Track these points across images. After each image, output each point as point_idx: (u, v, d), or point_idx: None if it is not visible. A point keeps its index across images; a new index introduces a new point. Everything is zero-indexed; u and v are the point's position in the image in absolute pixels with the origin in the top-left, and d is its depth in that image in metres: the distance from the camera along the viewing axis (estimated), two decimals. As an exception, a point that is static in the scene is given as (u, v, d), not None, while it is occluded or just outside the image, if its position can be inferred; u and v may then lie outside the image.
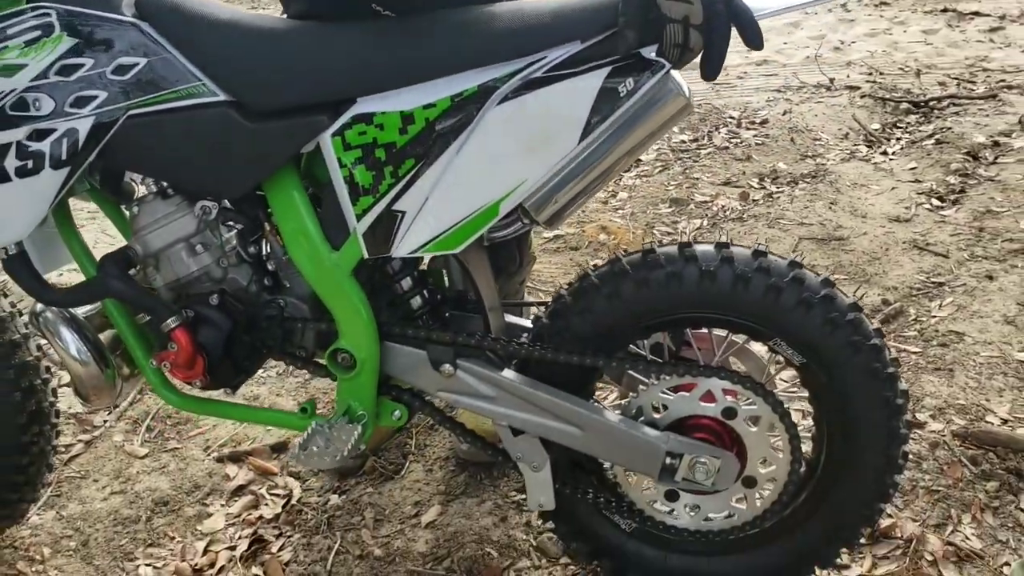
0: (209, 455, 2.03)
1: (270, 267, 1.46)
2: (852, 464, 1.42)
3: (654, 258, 1.37)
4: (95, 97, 1.28)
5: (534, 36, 1.25)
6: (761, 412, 1.39)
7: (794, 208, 3.13)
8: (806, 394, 1.45)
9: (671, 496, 1.47)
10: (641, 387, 1.43)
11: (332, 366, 1.42)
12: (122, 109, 1.28)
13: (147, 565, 1.73)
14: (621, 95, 1.21)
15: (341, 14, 1.36)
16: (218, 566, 1.72)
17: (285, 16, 1.46)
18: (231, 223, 1.44)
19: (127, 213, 1.47)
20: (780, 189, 3.39)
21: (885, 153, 3.81)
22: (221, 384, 1.47)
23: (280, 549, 1.75)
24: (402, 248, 1.33)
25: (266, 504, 1.88)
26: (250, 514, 1.85)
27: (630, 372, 1.47)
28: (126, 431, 2.12)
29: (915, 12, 6.37)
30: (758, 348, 1.46)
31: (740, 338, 1.47)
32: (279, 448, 2.04)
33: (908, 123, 4.16)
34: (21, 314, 1.62)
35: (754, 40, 1.19)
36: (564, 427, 1.41)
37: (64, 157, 1.29)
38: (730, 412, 1.40)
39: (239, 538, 1.78)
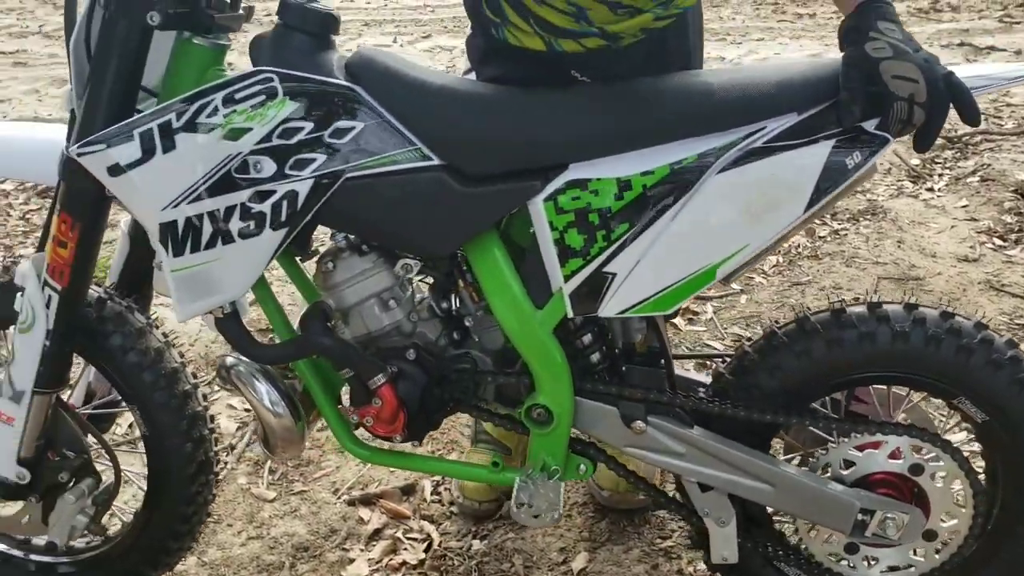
0: (339, 498, 2.04)
1: (464, 323, 1.48)
2: None
3: (846, 318, 1.41)
4: (314, 160, 1.31)
5: (754, 107, 1.29)
6: (947, 468, 1.43)
7: (867, 247, 3.19)
8: (978, 448, 1.49)
9: (851, 549, 1.50)
10: (831, 445, 1.47)
11: (528, 421, 1.44)
12: (340, 172, 1.31)
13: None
14: (849, 167, 1.25)
15: (537, 79, 1.40)
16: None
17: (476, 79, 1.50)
18: (425, 279, 1.47)
19: (306, 268, 1.49)
20: (843, 225, 3.45)
21: (931, 190, 3.88)
22: (413, 437, 1.49)
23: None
24: (609, 308, 1.36)
25: (406, 549, 1.90)
26: (391, 559, 1.87)
27: (813, 430, 1.50)
28: (248, 473, 2.12)
29: (932, 46, 6.50)
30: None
31: (903, 391, 1.51)
32: (408, 491, 2.06)
33: (946, 159, 4.24)
34: (186, 365, 1.63)
35: (972, 116, 1.24)
36: (756, 484, 1.44)
37: (284, 218, 1.32)
38: (917, 468, 1.43)
39: (387, 586, 1.79)
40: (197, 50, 1.35)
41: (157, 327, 1.61)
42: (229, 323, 1.40)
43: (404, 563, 1.85)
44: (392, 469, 2.11)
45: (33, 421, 1.51)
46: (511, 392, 1.49)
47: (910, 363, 1.41)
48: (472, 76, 1.58)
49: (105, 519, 1.68)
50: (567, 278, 1.36)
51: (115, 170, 1.27)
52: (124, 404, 1.61)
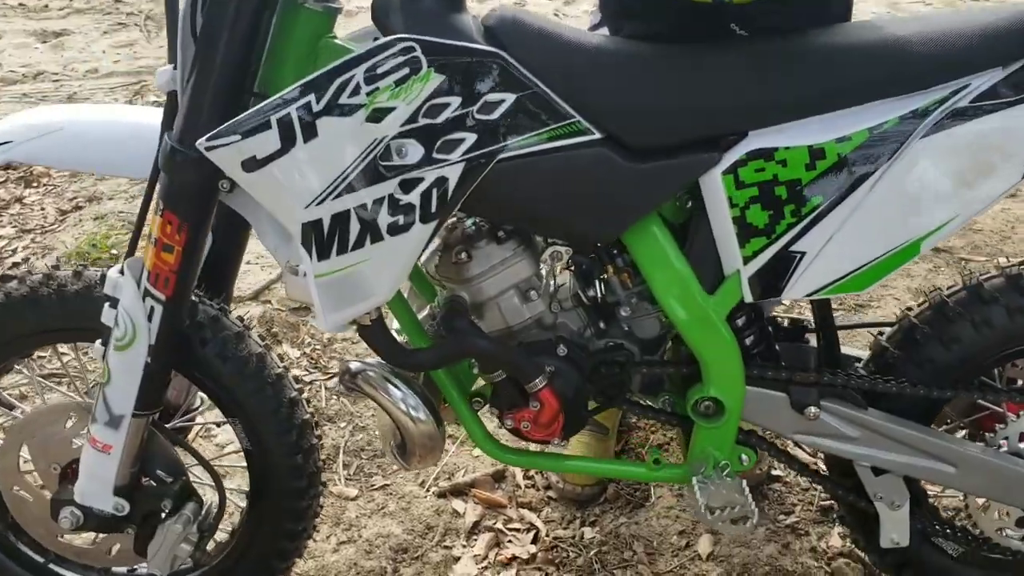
0: (427, 491, 1.90)
1: (612, 311, 1.34)
2: None
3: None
4: (463, 140, 1.14)
5: (955, 62, 1.16)
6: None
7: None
8: None
9: (1021, 522, 1.43)
10: (1010, 418, 1.38)
11: (694, 415, 1.32)
12: (493, 153, 1.14)
13: (415, 622, 1.62)
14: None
15: (691, 34, 1.24)
16: (494, 616, 1.62)
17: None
18: (572, 266, 1.33)
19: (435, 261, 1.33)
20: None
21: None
22: (565, 438, 1.35)
23: (556, 593, 1.66)
24: (796, 291, 1.24)
25: (511, 542, 1.78)
26: (498, 554, 1.75)
27: (986, 403, 1.40)
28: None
29: None
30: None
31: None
32: (499, 477, 1.93)
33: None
34: (289, 369, 1.47)
35: None
36: (937, 465, 1.35)
37: (434, 209, 1.15)
38: (1097, 435, 1.36)
39: (503, 584, 1.68)
40: (308, 16, 1.16)
41: (251, 328, 1.44)
42: (376, 330, 1.23)
43: (514, 557, 1.74)
44: (477, 454, 1.98)
45: (130, 446, 1.34)
46: (679, 387, 1.37)
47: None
48: (604, 31, 1.42)
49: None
50: (747, 260, 1.22)
51: (251, 164, 1.08)
52: (223, 417, 1.44)
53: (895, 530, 1.41)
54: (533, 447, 1.44)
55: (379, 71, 1.09)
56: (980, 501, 1.42)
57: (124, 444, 1.32)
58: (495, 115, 1.14)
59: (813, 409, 1.33)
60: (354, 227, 1.13)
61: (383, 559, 1.75)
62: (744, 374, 1.30)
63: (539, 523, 1.81)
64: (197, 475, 1.51)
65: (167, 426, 1.46)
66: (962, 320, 1.33)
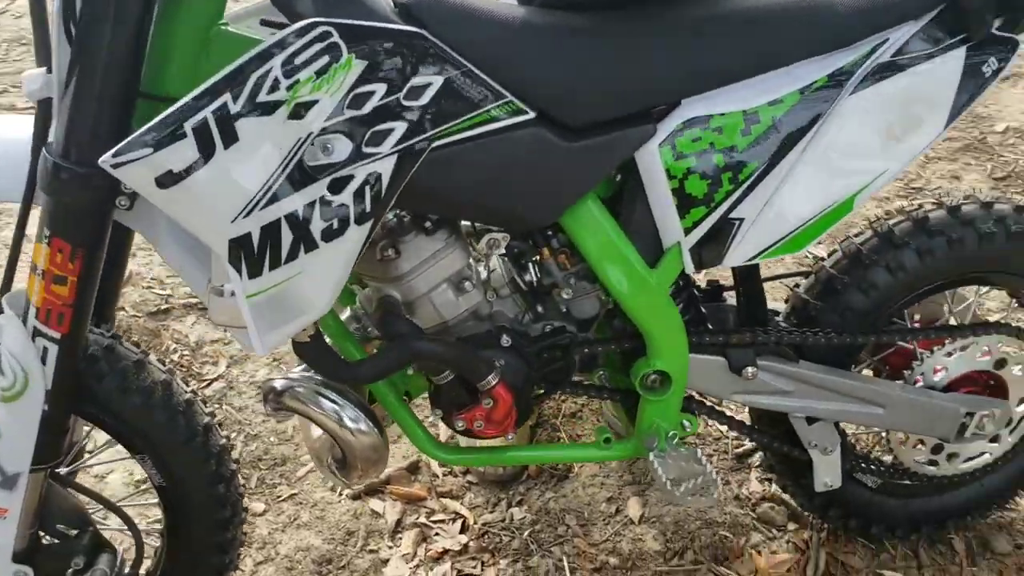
0: (339, 495, 1.80)
1: (549, 295, 1.29)
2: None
3: (931, 226, 1.37)
4: (392, 130, 1.04)
5: (874, 17, 1.17)
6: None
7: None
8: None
9: (936, 450, 1.52)
10: (924, 355, 1.44)
11: (642, 388, 1.30)
12: (424, 142, 1.06)
13: (356, 635, 1.53)
14: (987, 75, 1.18)
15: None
16: (437, 616, 1.56)
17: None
18: (505, 251, 1.26)
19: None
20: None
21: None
22: (516, 429, 1.30)
23: (496, 581, 1.62)
24: (735, 258, 1.23)
25: (438, 535, 1.72)
26: (428, 549, 1.69)
27: (908, 344, 1.47)
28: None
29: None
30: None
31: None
32: (413, 469, 1.86)
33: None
34: (197, 393, 1.33)
35: None
36: (866, 408, 1.41)
37: (368, 208, 1.05)
38: (1001, 363, 1.45)
39: (439, 579, 1.62)
40: (194, 1, 1.01)
41: (148, 353, 1.29)
42: (316, 346, 1.12)
43: (445, 551, 1.68)
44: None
45: (28, 505, 1.17)
46: (606, 361, 1.34)
47: (995, 263, 1.40)
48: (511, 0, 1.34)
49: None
50: (688, 231, 1.20)
51: (167, 179, 0.93)
52: (127, 454, 1.29)
53: (828, 474, 1.46)
54: (473, 443, 1.38)
55: (297, 62, 0.97)
56: (900, 436, 1.50)
57: (23, 505, 1.15)
58: (423, 100, 1.04)
59: (751, 369, 1.34)
60: (286, 237, 1.01)
61: (307, 574, 1.64)
62: (687, 345, 1.29)
63: (464, 511, 1.76)
64: (102, 520, 1.35)
65: (61, 473, 1.29)
66: (876, 266, 1.38)
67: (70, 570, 1.23)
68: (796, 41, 1.16)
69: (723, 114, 1.15)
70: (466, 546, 1.69)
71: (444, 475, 1.85)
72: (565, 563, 1.63)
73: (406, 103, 1.03)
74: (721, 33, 1.16)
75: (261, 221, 0.99)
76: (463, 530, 1.72)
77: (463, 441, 1.50)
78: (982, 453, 1.55)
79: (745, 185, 1.18)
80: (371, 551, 1.69)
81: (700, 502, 1.28)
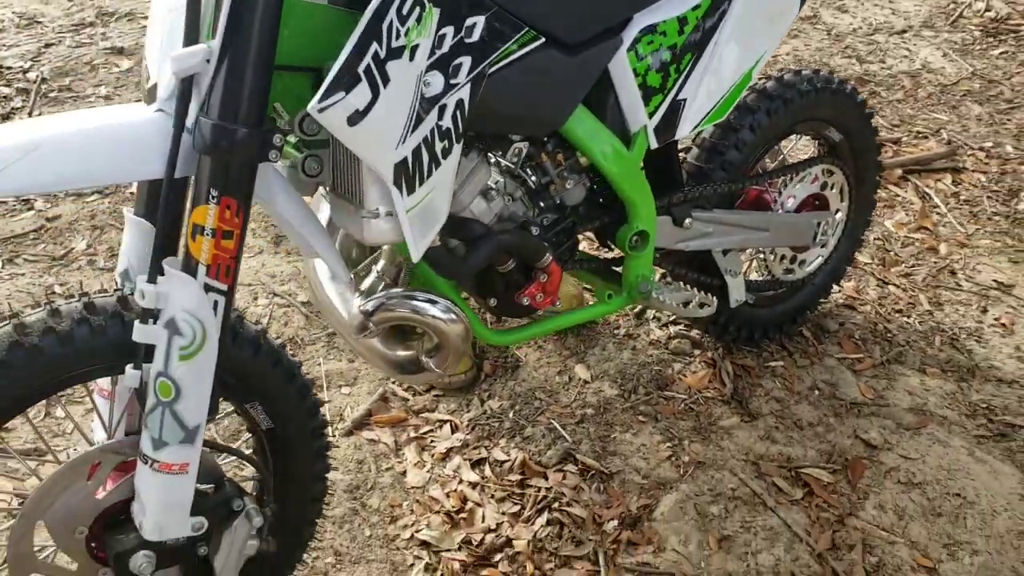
0: (336, 435, 1.96)
1: (548, 189, 1.60)
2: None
3: (768, 92, 1.87)
4: (463, 63, 1.31)
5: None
6: (837, 178, 2.04)
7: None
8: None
9: (792, 260, 2.05)
10: (782, 189, 1.96)
11: (628, 248, 1.66)
12: (484, 70, 1.33)
13: (415, 536, 1.75)
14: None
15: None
16: (471, 501, 1.82)
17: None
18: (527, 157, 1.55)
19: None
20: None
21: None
22: (556, 299, 1.60)
23: (507, 456, 1.90)
24: (683, 130, 1.64)
25: (433, 442, 1.96)
26: (433, 454, 1.92)
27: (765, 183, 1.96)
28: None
29: None
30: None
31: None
32: (384, 399, 2.06)
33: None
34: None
35: None
36: (757, 235, 1.89)
37: (460, 130, 1.31)
38: (823, 185, 2.02)
39: (458, 474, 1.87)
40: None
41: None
42: (439, 250, 1.34)
43: (449, 450, 1.93)
44: (349, 384, 2.08)
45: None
46: (609, 233, 1.69)
47: (808, 112, 1.94)
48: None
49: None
50: (651, 115, 1.58)
51: (355, 118, 1.12)
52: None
53: (736, 291, 1.94)
54: (515, 324, 1.66)
55: (403, 12, 1.20)
56: (771, 253, 2.01)
57: (199, 458, 1.25)
58: (476, 37, 1.31)
59: (688, 220, 1.76)
60: (424, 159, 1.24)
61: (344, 504, 1.81)
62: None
63: (447, 416, 2.01)
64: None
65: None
66: (743, 128, 1.85)
67: (230, 514, 1.34)
68: (699, -38, 1.58)
69: (664, 21, 1.54)
70: (465, 442, 1.95)
71: (413, 396, 2.08)
72: (556, 423, 1.96)
73: (467, 41, 1.30)
74: None
75: (410, 147, 1.21)
76: (454, 430, 1.98)
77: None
78: (817, 258, 2.12)
79: (685, 72, 1.59)
80: (386, 469, 1.89)
81: (707, 311, 1.69)
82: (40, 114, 3.26)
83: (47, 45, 3.86)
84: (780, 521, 1.76)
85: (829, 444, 1.94)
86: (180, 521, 1.27)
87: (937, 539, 1.73)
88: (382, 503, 1.82)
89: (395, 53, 1.17)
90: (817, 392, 2.08)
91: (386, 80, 1.16)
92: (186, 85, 1.14)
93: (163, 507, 1.25)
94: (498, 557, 1.70)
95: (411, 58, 1.19)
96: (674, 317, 2.24)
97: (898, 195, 2.85)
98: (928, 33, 3.98)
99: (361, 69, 1.13)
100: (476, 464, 1.90)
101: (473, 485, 1.85)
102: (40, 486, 1.25)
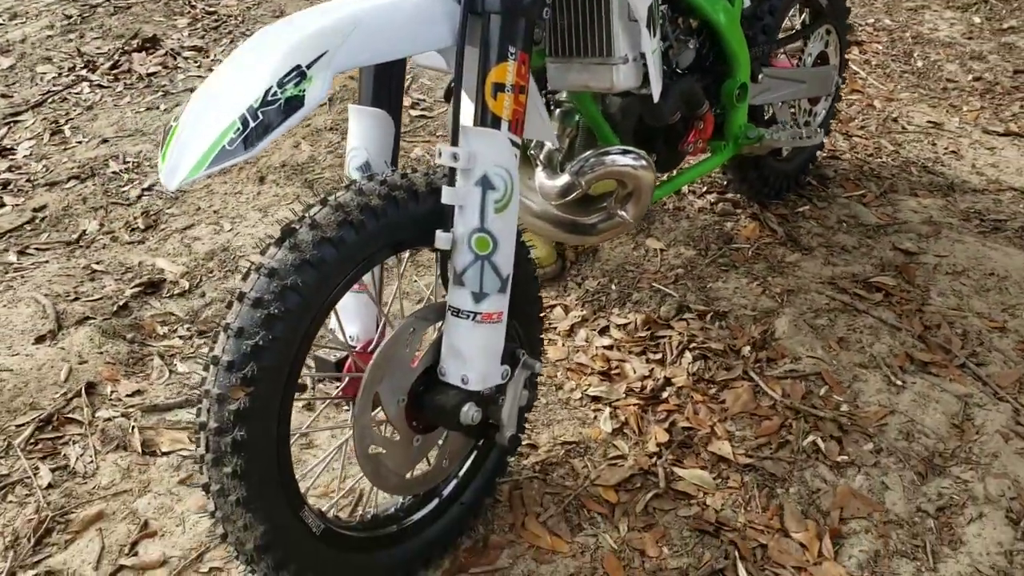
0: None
1: (671, 51, 1.78)
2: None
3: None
4: None
5: None
6: (835, 36, 2.36)
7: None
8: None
9: (809, 113, 2.35)
10: (807, 49, 2.24)
11: (732, 100, 1.88)
12: None
13: (585, 394, 1.89)
14: None
15: None
16: (615, 360, 1.98)
17: None
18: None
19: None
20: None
21: None
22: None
23: (628, 319, 2.07)
24: (761, -11, 1.87)
25: (554, 325, 2.10)
26: (556, 332, 2.06)
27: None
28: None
29: None
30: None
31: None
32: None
33: None
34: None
35: None
36: (799, 87, 2.17)
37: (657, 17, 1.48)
38: (826, 43, 2.33)
39: (590, 342, 2.03)
40: None
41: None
42: (637, 99, 1.50)
43: (572, 326, 2.08)
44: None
45: (499, 306, 1.36)
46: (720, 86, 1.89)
47: None
48: None
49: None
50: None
51: None
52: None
53: (784, 141, 2.21)
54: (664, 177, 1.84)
55: None
56: (789, 104, 2.30)
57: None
58: None
59: (760, 76, 2.01)
60: (654, 19, 1.39)
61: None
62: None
63: (553, 302, 2.15)
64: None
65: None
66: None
67: (519, 360, 1.43)
68: None
69: None
70: (583, 317, 2.11)
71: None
72: (658, 285, 2.16)
73: None
74: None
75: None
76: (567, 311, 2.13)
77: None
78: (823, 109, 2.44)
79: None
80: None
81: (818, 139, 1.94)
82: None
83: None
84: (875, 319, 2.06)
85: (877, 259, 2.27)
86: (496, 368, 1.36)
87: (995, 306, 2.10)
88: (541, 379, 1.94)
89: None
90: (845, 224, 2.40)
91: None
92: None
93: (486, 356, 1.34)
94: (665, 394, 1.88)
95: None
96: (706, 188, 2.49)
97: (818, 71, 3.25)
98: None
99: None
100: (603, 331, 2.06)
101: (609, 347, 2.01)
102: (375, 357, 1.31)
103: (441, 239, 1.28)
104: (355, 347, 1.42)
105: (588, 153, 1.58)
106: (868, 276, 2.20)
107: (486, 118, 1.26)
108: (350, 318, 1.45)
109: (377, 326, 1.44)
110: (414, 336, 1.35)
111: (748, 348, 1.98)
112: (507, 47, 1.25)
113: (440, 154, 1.26)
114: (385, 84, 1.40)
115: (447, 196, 1.26)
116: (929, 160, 2.69)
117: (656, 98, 1.44)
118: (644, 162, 1.61)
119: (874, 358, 1.95)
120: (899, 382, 1.88)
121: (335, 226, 1.22)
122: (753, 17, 2.09)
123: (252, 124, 1.08)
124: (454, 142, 1.25)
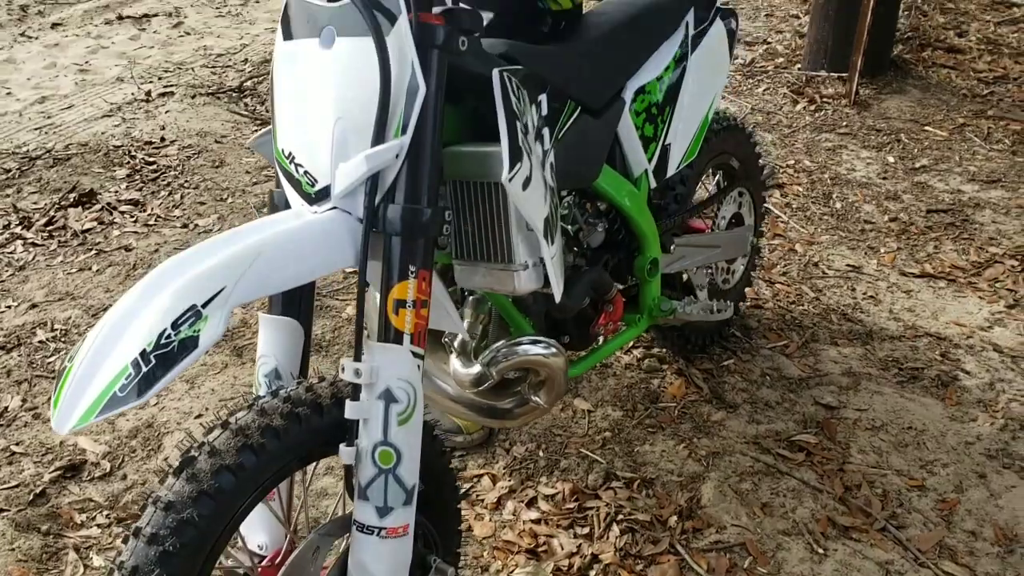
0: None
1: (580, 235, 1.84)
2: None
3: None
4: (545, 133, 1.55)
5: (677, 10, 1.99)
6: (748, 197, 2.45)
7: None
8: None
9: (727, 271, 2.43)
10: (720, 213, 2.33)
11: (644, 275, 1.94)
12: (555, 135, 1.59)
13: None
14: (734, 28, 2.08)
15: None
16: (543, 535, 1.97)
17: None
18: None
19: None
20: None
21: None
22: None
23: (556, 489, 2.07)
24: (670, 170, 1.96)
25: (481, 497, 2.09)
26: (484, 505, 2.05)
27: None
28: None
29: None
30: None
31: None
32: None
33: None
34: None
35: None
36: (715, 250, 2.24)
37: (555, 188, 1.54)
38: (739, 205, 2.42)
39: (518, 516, 2.02)
40: None
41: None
42: (541, 295, 1.54)
43: (499, 498, 2.07)
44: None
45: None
46: (629, 265, 1.95)
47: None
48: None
49: None
50: (649, 160, 1.89)
51: (526, 183, 1.31)
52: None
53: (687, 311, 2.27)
54: (578, 356, 1.87)
55: (517, 94, 1.43)
56: (717, 266, 2.37)
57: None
58: (545, 110, 1.55)
59: (672, 246, 2.07)
60: (555, 213, 1.45)
61: (432, 567, 1.89)
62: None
63: (481, 471, 2.15)
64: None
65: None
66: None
67: (425, 570, 1.42)
68: (660, 33, 1.92)
69: (647, 83, 1.86)
70: (510, 488, 2.10)
71: (440, 461, 2.18)
72: (585, 451, 2.17)
73: (543, 114, 1.54)
74: (625, 40, 1.85)
75: (549, 204, 1.42)
76: (495, 481, 2.12)
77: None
78: (740, 266, 2.52)
79: (667, 122, 1.91)
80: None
81: (727, 313, 1.99)
82: None
83: None
84: (797, 482, 2.08)
85: (799, 414, 2.31)
86: None
87: (914, 463, 2.14)
88: (467, 560, 1.92)
89: (526, 128, 1.39)
90: (768, 377, 2.45)
91: (530, 150, 1.37)
92: (373, 179, 1.28)
93: (392, 572, 1.33)
94: (592, 572, 1.87)
95: (533, 131, 1.42)
96: (632, 343, 2.53)
97: (742, 214, 3.36)
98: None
99: (520, 143, 1.33)
100: (530, 503, 2.05)
101: (536, 521, 2.00)
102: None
103: (345, 453, 1.28)
104: (263, 559, 1.40)
105: (499, 344, 1.61)
106: (791, 434, 2.23)
107: (388, 333, 1.28)
108: (255, 529, 1.43)
109: (285, 535, 1.42)
110: (319, 554, 1.33)
111: (675, 518, 1.98)
112: (407, 266, 1.28)
113: (343, 369, 1.27)
114: (295, 294, 1.43)
115: (350, 411, 1.27)
116: (848, 306, 2.77)
117: (558, 299, 1.48)
118: (555, 350, 1.65)
119: (796, 524, 1.96)
120: (821, 550, 1.89)
121: (235, 452, 1.21)
122: (665, 187, 2.18)
123: (144, 369, 1.08)
124: (357, 357, 1.27)
